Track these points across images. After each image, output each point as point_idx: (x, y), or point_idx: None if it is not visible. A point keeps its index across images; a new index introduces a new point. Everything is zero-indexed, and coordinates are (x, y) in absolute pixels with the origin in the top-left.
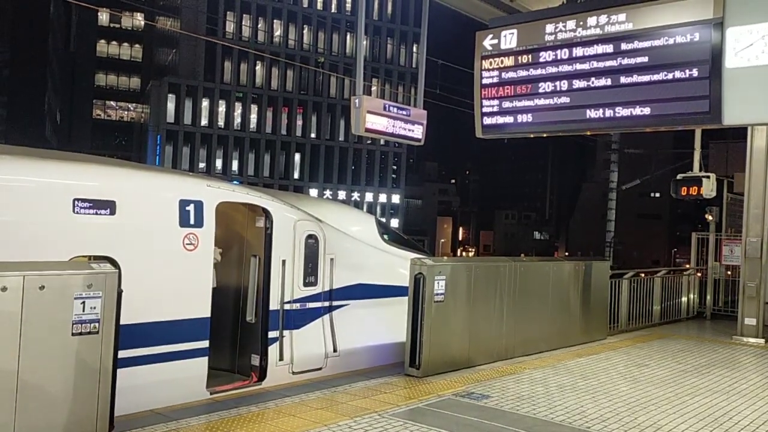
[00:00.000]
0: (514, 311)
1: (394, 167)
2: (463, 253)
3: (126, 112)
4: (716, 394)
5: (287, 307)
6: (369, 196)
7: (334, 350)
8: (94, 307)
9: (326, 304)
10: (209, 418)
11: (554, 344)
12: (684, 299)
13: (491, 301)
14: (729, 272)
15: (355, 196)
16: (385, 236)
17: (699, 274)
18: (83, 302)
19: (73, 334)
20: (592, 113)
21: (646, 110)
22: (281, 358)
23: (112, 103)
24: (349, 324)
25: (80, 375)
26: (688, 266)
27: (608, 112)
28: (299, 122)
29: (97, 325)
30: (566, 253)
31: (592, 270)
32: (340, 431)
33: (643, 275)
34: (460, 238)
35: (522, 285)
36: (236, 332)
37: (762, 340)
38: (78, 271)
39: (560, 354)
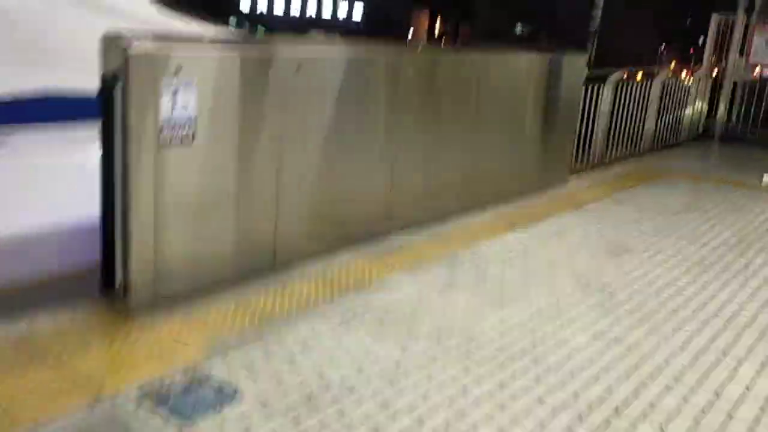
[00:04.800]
0: (397, 150)
1: None
2: None
3: None
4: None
5: None
6: None
7: None
8: None
9: None
10: None
11: (471, 202)
12: (689, 111)
13: (342, 131)
14: (756, 75)
15: None
16: None
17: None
18: None
19: None
20: None
21: None
22: None
23: None
24: None
25: None
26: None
27: None
28: None
29: None
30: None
31: (557, 69)
32: None
33: (636, 77)
34: (437, 34)
35: (416, 101)
36: None
37: None
38: None
39: (473, 225)
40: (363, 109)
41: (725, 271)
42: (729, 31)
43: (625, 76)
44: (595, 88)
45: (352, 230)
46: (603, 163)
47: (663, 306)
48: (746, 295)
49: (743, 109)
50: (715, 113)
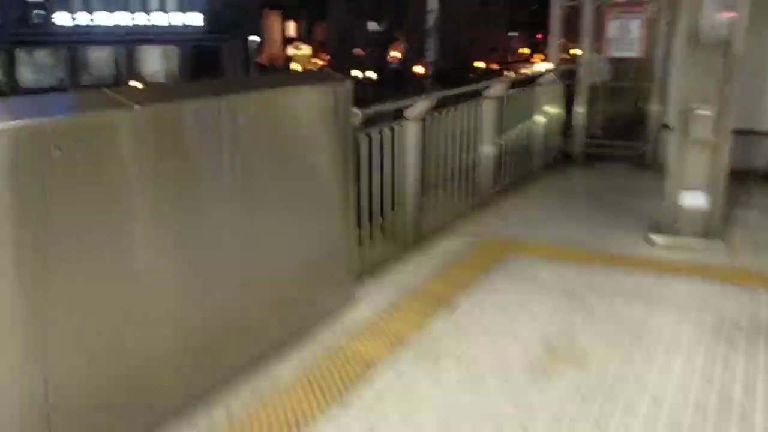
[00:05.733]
0: None
1: None
2: (295, 52)
3: None
4: None
5: None
6: None
7: None
8: None
9: None
10: None
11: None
12: (539, 131)
13: None
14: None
15: None
16: None
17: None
18: None
19: None
20: None
21: None
22: None
23: None
24: None
25: None
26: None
27: None
28: None
29: None
30: (406, 45)
31: (340, 107)
32: None
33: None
34: (293, 35)
35: None
36: None
37: (721, 243)
38: None
39: None
40: None
41: None
42: (576, 16)
43: (430, 105)
44: (386, 133)
45: None
46: (418, 239)
47: None
48: None
49: (605, 119)
50: (571, 128)
